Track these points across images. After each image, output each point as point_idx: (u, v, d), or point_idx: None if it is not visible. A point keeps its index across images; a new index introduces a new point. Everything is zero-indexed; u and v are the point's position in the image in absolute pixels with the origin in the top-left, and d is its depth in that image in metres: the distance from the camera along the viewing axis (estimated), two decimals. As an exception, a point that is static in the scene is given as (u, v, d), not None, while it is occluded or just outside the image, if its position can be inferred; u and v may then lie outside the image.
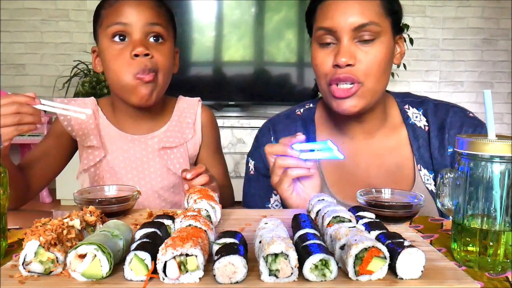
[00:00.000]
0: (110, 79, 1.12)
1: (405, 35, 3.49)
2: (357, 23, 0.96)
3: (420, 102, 1.14)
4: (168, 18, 1.16)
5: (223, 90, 3.67)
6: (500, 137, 0.66)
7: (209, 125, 1.29)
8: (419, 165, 1.08)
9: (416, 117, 1.12)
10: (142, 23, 1.08)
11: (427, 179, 1.08)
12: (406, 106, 1.14)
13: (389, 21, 1.01)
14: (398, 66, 3.64)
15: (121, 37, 1.08)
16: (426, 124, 1.11)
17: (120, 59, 1.07)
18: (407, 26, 3.55)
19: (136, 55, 1.06)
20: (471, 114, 1.11)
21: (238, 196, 1.25)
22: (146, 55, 1.07)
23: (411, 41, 3.59)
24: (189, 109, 1.27)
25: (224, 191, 0.90)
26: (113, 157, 1.19)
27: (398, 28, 1.04)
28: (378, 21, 0.98)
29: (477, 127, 1.07)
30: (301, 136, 0.94)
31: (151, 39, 1.10)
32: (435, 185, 1.07)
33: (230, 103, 3.66)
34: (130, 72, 1.07)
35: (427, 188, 1.07)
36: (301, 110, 1.21)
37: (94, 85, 3.32)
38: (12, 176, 1.04)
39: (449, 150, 1.08)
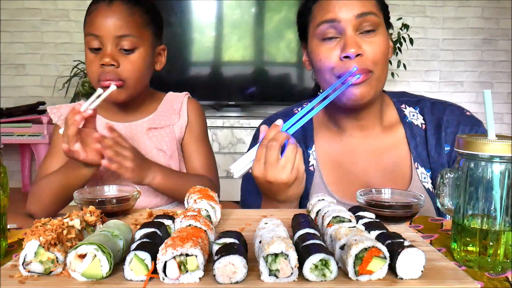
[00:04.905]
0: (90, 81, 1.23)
1: (405, 35, 3.53)
2: (359, 12, 0.99)
3: (416, 101, 1.15)
4: (144, 23, 1.20)
5: (223, 90, 3.66)
6: (500, 137, 0.66)
7: (194, 111, 1.34)
8: (416, 163, 1.09)
9: (413, 115, 1.13)
10: (112, 36, 1.15)
11: (424, 177, 1.08)
12: (403, 106, 1.15)
13: (383, 14, 1.05)
14: (399, 66, 3.64)
15: (96, 49, 1.16)
16: (423, 122, 1.12)
17: (92, 67, 1.17)
18: (407, 26, 3.55)
19: (103, 65, 1.14)
20: (468, 113, 1.11)
21: (239, 196, 1.25)
22: (112, 65, 1.14)
23: (411, 41, 3.59)
24: (176, 100, 1.34)
25: (198, 182, 0.97)
26: None
27: (388, 23, 1.08)
28: (377, 12, 1.02)
29: (474, 126, 1.08)
30: (280, 121, 0.99)
31: (123, 50, 1.17)
32: (432, 183, 1.08)
33: (230, 103, 3.66)
34: (97, 78, 1.16)
35: (424, 186, 1.07)
36: (299, 109, 1.21)
37: (94, 85, 3.32)
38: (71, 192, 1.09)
39: (446, 148, 1.08)
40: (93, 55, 1.17)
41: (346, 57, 0.99)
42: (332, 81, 1.03)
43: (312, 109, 1.01)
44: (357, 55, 0.99)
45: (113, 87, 1.09)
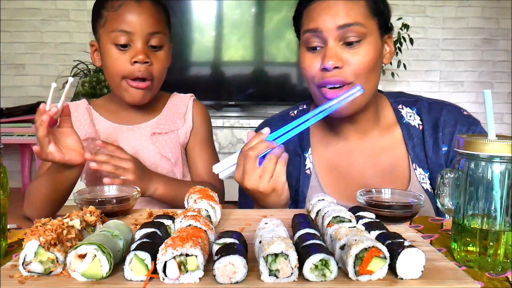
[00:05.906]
0: (107, 77, 1.20)
1: (405, 35, 3.53)
2: (342, 23, 0.97)
3: (413, 101, 1.14)
4: (166, 21, 1.21)
5: (223, 90, 3.66)
6: (500, 137, 0.66)
7: (199, 115, 1.33)
8: (414, 164, 1.08)
9: (410, 116, 1.12)
10: (144, 32, 1.13)
11: (423, 178, 1.07)
12: (400, 106, 1.14)
13: (375, 21, 1.01)
14: (399, 66, 3.64)
15: (123, 45, 1.14)
16: (420, 123, 1.11)
17: (119, 63, 1.14)
18: (407, 26, 3.55)
19: (136, 62, 1.12)
20: (465, 113, 1.11)
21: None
22: (146, 62, 1.13)
23: (411, 41, 3.59)
24: (181, 102, 1.33)
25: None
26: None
27: (386, 27, 1.04)
28: (363, 21, 0.98)
29: (471, 125, 1.07)
30: (266, 130, 0.96)
31: (151, 46, 1.16)
32: (430, 184, 1.07)
33: (230, 103, 3.66)
34: (122, 75, 1.14)
35: (423, 187, 1.07)
36: (295, 111, 1.21)
37: (94, 85, 3.31)
38: (65, 195, 1.10)
39: (443, 148, 1.07)
40: (118, 51, 1.14)
41: (324, 69, 0.98)
42: (314, 90, 1.03)
43: (303, 122, 0.99)
44: (335, 68, 0.97)
45: (70, 79, 1.02)
